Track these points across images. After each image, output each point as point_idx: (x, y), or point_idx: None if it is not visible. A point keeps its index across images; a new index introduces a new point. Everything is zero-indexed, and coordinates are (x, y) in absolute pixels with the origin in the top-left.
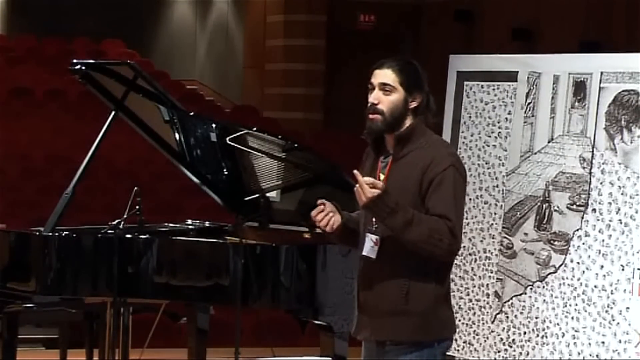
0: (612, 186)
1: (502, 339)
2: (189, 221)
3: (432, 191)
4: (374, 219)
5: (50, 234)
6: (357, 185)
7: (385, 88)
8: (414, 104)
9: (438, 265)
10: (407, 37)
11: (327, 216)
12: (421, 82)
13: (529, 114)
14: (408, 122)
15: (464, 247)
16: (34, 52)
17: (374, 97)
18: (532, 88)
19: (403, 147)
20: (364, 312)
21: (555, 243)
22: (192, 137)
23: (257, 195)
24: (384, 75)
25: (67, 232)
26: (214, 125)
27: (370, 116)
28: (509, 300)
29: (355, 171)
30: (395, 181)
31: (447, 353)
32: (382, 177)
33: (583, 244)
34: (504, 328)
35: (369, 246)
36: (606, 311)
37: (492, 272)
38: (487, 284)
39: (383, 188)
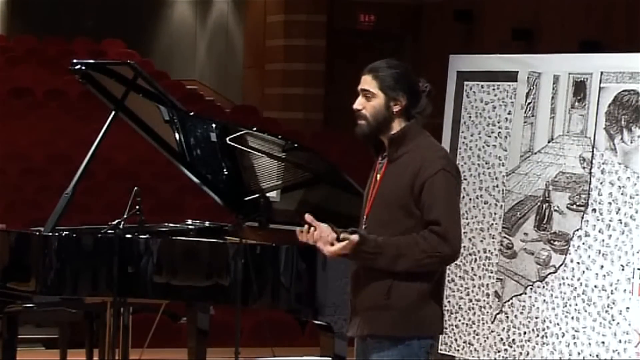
0: (612, 186)
1: (502, 339)
2: (189, 221)
3: (423, 196)
4: (363, 221)
5: (50, 234)
6: (330, 251)
7: (366, 94)
8: (397, 107)
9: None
10: (407, 37)
11: (309, 235)
12: (404, 85)
13: (529, 114)
14: (397, 124)
15: (464, 247)
16: (34, 52)
17: (358, 103)
18: (532, 88)
19: (397, 150)
20: (353, 310)
21: (555, 243)
22: (192, 137)
23: (257, 195)
24: (365, 81)
25: (67, 232)
26: (214, 125)
27: (358, 121)
28: (509, 300)
29: (326, 249)
30: (388, 183)
31: (447, 353)
32: (378, 177)
33: (583, 244)
34: (504, 328)
35: None
36: (606, 311)
37: (492, 272)
38: (487, 284)
39: (355, 240)
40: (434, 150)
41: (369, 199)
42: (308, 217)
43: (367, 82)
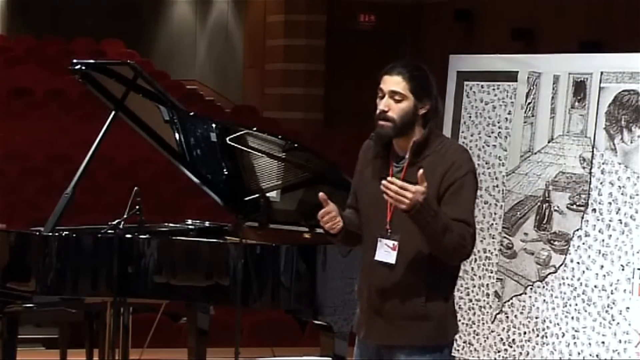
0: (612, 186)
1: (502, 339)
2: (189, 221)
3: (451, 195)
4: (387, 226)
5: (50, 234)
6: (394, 189)
7: (396, 96)
8: (422, 111)
9: (451, 270)
10: (407, 37)
11: (332, 219)
12: (430, 88)
13: (529, 114)
14: (417, 127)
15: None
16: (34, 52)
17: (385, 104)
18: (532, 88)
19: (420, 154)
20: (379, 317)
21: (555, 243)
22: (192, 137)
23: (257, 195)
24: (394, 82)
25: (67, 232)
26: (214, 125)
27: (380, 122)
28: (509, 300)
29: (393, 179)
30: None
31: None
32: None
33: (583, 244)
34: (504, 328)
35: (384, 251)
36: (606, 311)
37: (492, 272)
38: (487, 284)
39: (426, 192)
40: (462, 151)
41: (388, 204)
42: (322, 195)
43: (397, 83)
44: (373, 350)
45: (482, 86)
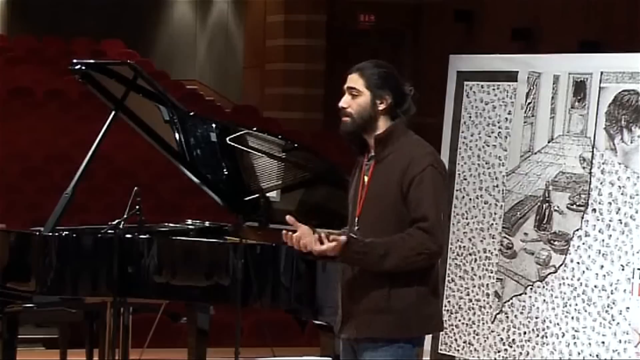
0: (612, 186)
1: (502, 339)
2: (189, 221)
3: (412, 192)
4: (355, 223)
5: (50, 234)
6: (319, 250)
7: (352, 92)
8: (382, 106)
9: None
10: (407, 37)
11: (297, 241)
12: (389, 84)
13: (529, 114)
14: (382, 123)
15: (464, 247)
16: (34, 52)
17: (343, 101)
18: (532, 88)
19: (383, 149)
20: (351, 312)
21: (555, 243)
22: (192, 137)
23: (257, 195)
24: (352, 80)
25: (67, 232)
26: (214, 125)
27: (342, 119)
28: (509, 300)
29: (314, 248)
30: (377, 182)
31: (447, 353)
32: (366, 179)
33: (583, 244)
34: (504, 328)
35: None
36: (606, 311)
37: (492, 272)
38: (487, 284)
39: (344, 241)
40: (421, 147)
41: (358, 200)
42: (290, 218)
43: (354, 80)
44: (349, 348)
45: (482, 86)
